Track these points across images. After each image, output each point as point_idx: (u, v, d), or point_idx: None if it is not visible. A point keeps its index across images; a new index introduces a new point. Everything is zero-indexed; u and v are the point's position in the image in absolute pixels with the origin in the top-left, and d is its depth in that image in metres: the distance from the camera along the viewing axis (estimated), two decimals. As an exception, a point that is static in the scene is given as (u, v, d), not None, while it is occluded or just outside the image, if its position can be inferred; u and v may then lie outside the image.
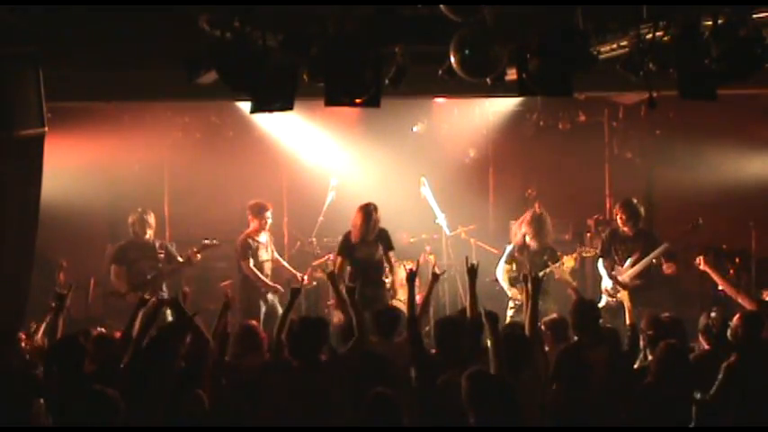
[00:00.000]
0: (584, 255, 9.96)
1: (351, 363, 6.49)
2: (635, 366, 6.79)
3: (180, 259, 9.96)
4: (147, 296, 7.07)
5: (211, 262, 11.86)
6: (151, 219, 10.07)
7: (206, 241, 10.08)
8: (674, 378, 5.95)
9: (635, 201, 9.65)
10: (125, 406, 5.23)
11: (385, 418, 5.37)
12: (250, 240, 10.13)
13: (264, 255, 10.18)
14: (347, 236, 9.57)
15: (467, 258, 7.02)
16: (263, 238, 10.22)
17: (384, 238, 9.59)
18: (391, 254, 9.66)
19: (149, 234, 10.04)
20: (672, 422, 5.88)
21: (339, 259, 9.59)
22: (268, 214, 10.17)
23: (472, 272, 6.82)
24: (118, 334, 7.22)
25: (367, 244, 9.48)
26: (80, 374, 6.12)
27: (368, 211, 9.43)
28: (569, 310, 7.15)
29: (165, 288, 9.85)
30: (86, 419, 5.18)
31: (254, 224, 10.18)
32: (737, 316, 6.51)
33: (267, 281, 10.11)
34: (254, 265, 10.07)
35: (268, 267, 10.19)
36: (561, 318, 7.32)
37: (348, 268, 9.56)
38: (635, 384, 6.22)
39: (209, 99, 9.29)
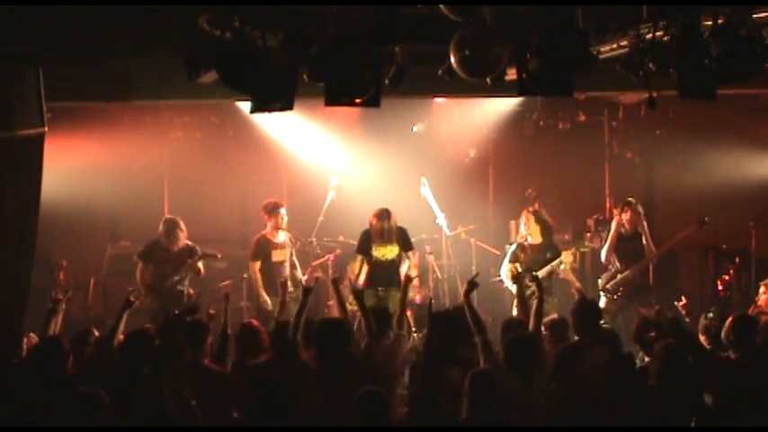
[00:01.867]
0: (581, 249, 9.95)
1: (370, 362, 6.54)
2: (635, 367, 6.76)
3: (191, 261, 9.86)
4: (132, 298, 7.02)
5: (212, 262, 11.86)
6: (181, 231, 9.85)
7: (208, 251, 10.09)
8: (675, 379, 5.93)
9: (639, 205, 9.71)
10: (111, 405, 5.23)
11: (374, 415, 5.37)
12: (263, 241, 9.99)
13: (280, 255, 9.99)
14: (365, 234, 9.74)
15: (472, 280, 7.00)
16: (281, 237, 10.04)
17: (402, 238, 9.74)
18: (410, 253, 9.82)
19: (179, 245, 9.85)
20: (675, 423, 5.86)
21: (358, 257, 9.80)
22: (282, 212, 9.99)
23: (471, 285, 6.83)
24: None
25: (384, 243, 9.65)
26: (61, 375, 6.12)
27: (381, 217, 9.58)
28: (570, 310, 7.13)
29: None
30: (70, 420, 5.16)
31: (269, 224, 10.00)
32: (730, 318, 6.47)
33: (261, 290, 9.87)
34: (268, 267, 9.89)
35: (286, 268, 9.98)
36: (561, 318, 7.32)
37: (365, 267, 9.74)
38: (636, 385, 6.20)
39: (209, 99, 9.28)
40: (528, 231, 9.68)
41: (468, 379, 5.62)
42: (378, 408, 5.39)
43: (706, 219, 9.59)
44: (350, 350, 6.60)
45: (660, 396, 5.89)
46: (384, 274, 9.69)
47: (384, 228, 9.59)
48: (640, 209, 9.69)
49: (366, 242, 9.73)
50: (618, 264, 9.63)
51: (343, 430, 5.80)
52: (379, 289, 9.62)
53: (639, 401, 6.01)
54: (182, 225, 9.88)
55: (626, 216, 9.68)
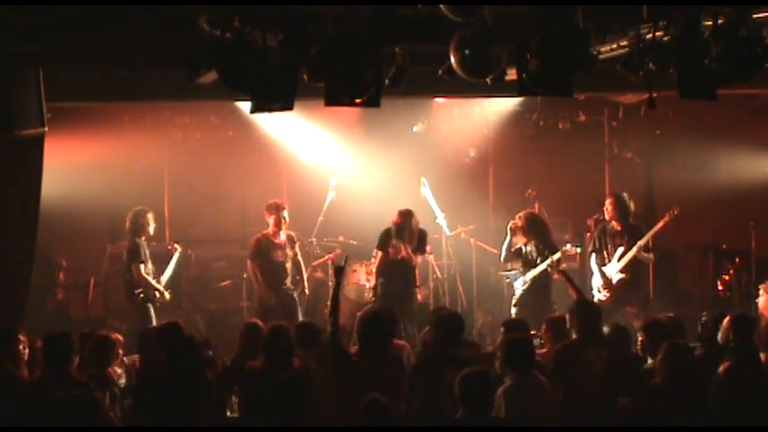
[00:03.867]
0: (565, 251, 9.84)
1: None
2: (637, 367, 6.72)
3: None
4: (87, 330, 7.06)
5: (211, 262, 11.88)
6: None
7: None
8: (681, 377, 5.92)
9: (625, 195, 9.65)
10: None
11: (378, 424, 5.34)
12: (262, 240, 9.97)
13: (280, 255, 9.95)
14: (387, 231, 9.82)
15: None
16: (281, 237, 10.01)
17: (419, 239, 9.79)
18: (420, 257, 9.88)
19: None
20: (680, 422, 5.85)
21: (380, 254, 9.87)
22: (284, 213, 9.95)
23: None
24: (117, 335, 7.22)
25: (401, 242, 9.74)
26: (67, 373, 6.10)
27: (403, 216, 9.71)
28: (569, 308, 7.11)
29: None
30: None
31: (271, 221, 9.96)
32: (727, 318, 6.44)
33: (263, 287, 9.90)
34: (268, 267, 9.89)
35: (287, 268, 9.97)
36: (561, 317, 7.31)
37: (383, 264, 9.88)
38: (637, 384, 6.19)
39: (209, 99, 9.28)
40: (523, 241, 9.66)
41: (458, 379, 5.58)
42: (381, 418, 5.34)
43: (675, 211, 9.48)
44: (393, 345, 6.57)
45: (665, 395, 5.87)
46: (399, 272, 9.76)
47: (404, 226, 9.66)
48: (629, 202, 9.61)
49: (385, 239, 9.82)
50: (608, 260, 9.57)
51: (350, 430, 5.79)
52: (394, 286, 9.73)
53: (643, 401, 6.00)
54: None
55: (608, 203, 9.66)
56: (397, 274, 9.78)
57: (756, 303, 8.36)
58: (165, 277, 9.84)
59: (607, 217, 9.70)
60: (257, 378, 6.23)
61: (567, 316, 6.96)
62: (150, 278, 9.64)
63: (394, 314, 7.02)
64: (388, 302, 9.43)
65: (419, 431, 6.10)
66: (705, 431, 5.89)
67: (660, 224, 9.54)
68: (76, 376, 6.17)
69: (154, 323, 9.11)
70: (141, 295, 9.52)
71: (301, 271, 10.18)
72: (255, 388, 6.16)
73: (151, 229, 9.83)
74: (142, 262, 9.59)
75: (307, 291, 10.15)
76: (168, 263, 10.02)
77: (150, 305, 9.54)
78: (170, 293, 9.77)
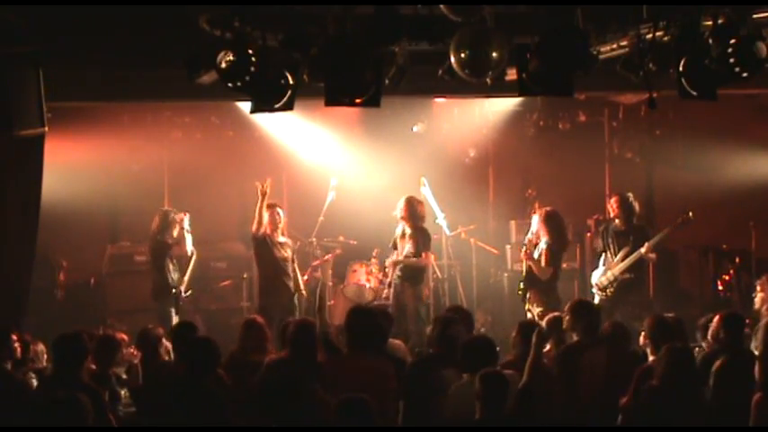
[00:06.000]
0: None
1: None
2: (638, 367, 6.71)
3: None
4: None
5: (212, 262, 11.88)
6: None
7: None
8: (680, 380, 5.91)
9: (630, 195, 9.64)
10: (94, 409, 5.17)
11: (357, 424, 5.31)
12: (262, 235, 9.89)
13: (282, 251, 9.91)
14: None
15: None
16: (282, 239, 9.99)
17: (421, 236, 9.83)
18: (423, 255, 9.85)
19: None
20: (677, 423, 5.84)
21: (395, 252, 10.01)
22: (278, 210, 9.93)
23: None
24: (122, 335, 7.22)
25: (405, 238, 9.83)
26: (78, 373, 6.08)
27: (407, 199, 9.83)
28: (568, 308, 7.10)
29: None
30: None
31: (267, 220, 9.93)
32: (717, 318, 6.44)
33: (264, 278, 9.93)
34: (268, 261, 9.86)
35: (289, 269, 9.96)
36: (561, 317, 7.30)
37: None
38: (637, 385, 6.19)
39: (209, 99, 9.29)
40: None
41: (479, 379, 5.56)
42: (360, 418, 5.30)
43: (690, 214, 9.46)
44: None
45: (663, 396, 5.87)
46: (405, 269, 9.88)
47: (406, 210, 9.78)
48: (634, 202, 9.60)
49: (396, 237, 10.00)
50: (611, 259, 9.56)
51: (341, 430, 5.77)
52: (398, 284, 9.89)
53: (642, 401, 6.00)
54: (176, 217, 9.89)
55: (613, 201, 9.67)
56: (399, 272, 9.92)
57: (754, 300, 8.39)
58: (186, 277, 9.89)
59: (612, 215, 9.69)
60: (280, 370, 6.22)
61: (566, 317, 6.96)
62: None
63: (386, 313, 7.02)
64: (394, 300, 9.62)
65: (439, 431, 6.08)
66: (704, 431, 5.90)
67: (673, 225, 9.52)
68: (86, 377, 6.17)
69: (174, 323, 9.23)
70: (183, 295, 9.75)
71: (296, 273, 10.13)
72: (277, 379, 6.12)
73: (176, 231, 9.85)
74: (172, 263, 9.69)
75: (303, 293, 10.10)
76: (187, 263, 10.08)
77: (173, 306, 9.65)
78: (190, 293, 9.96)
